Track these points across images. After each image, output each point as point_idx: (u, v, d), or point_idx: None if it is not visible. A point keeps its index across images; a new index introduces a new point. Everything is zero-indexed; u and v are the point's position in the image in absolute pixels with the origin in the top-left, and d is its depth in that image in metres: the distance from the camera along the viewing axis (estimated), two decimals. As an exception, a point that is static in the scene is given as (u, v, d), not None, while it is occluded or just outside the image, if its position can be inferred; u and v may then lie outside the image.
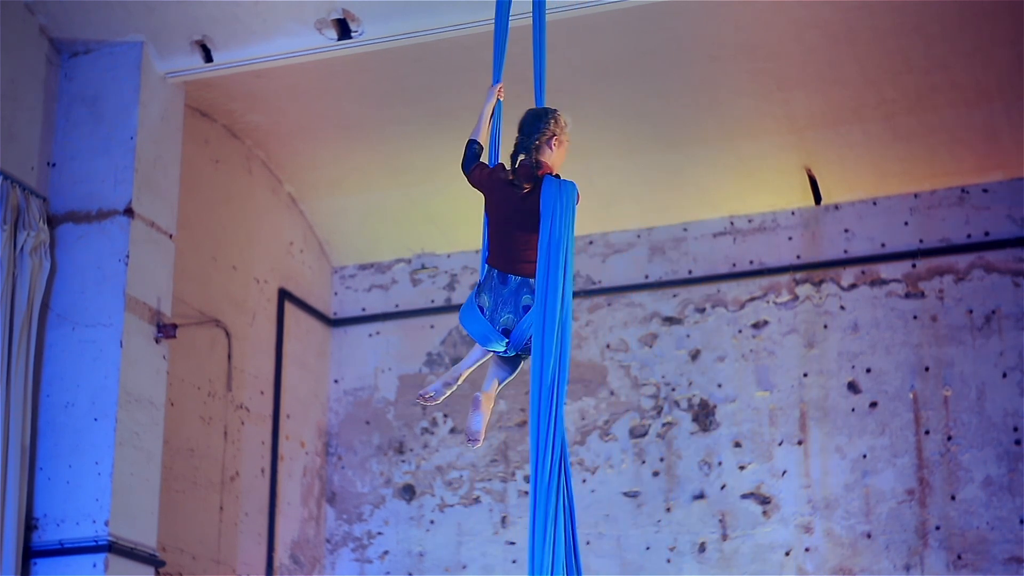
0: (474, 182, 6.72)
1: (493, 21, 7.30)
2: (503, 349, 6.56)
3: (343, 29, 9.55)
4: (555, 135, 6.63)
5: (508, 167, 6.64)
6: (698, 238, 11.50)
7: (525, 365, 6.64)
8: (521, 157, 6.60)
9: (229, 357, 10.95)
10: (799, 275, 11.21)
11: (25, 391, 9.02)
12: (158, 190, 9.69)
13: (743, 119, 10.82)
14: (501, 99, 6.99)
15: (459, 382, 6.74)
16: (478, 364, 6.77)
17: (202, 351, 10.67)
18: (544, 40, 7.07)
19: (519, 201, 6.52)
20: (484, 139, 6.85)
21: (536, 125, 6.63)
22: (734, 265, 11.37)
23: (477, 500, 11.55)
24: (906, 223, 11.06)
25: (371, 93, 10.78)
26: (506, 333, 6.49)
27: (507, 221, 6.55)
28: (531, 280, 6.47)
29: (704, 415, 11.19)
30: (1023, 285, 10.67)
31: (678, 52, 10.29)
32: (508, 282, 6.54)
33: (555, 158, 6.63)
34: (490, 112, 6.92)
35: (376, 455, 11.90)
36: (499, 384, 6.73)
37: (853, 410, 10.87)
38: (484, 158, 6.81)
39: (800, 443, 10.93)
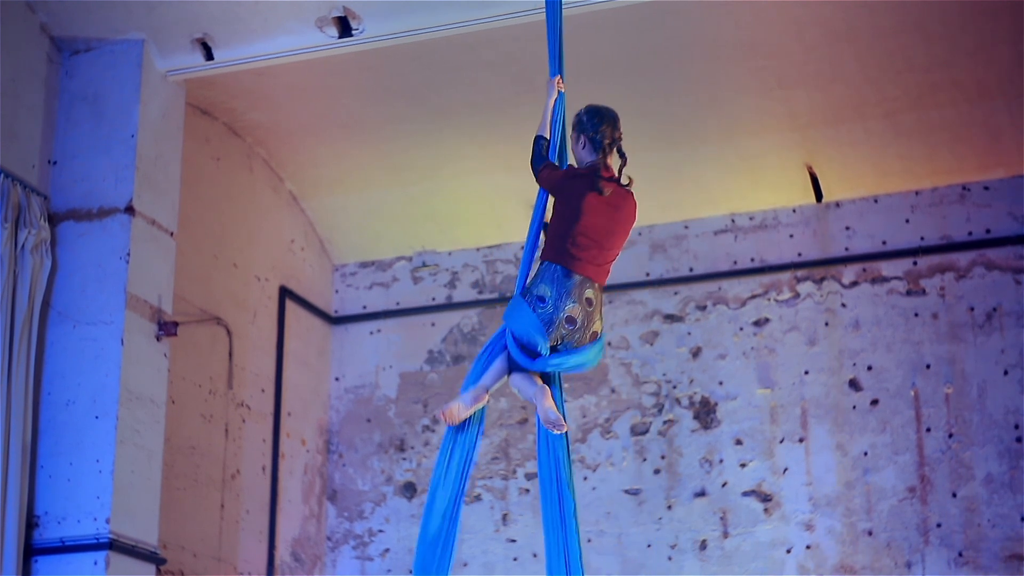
0: (544, 182, 6.86)
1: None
2: (542, 352, 6.68)
3: (344, 27, 9.55)
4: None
5: (596, 166, 6.82)
6: (699, 235, 11.50)
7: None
8: (610, 162, 6.87)
9: (230, 355, 10.96)
10: (800, 273, 11.21)
11: (26, 389, 9.02)
12: (159, 188, 9.69)
13: (744, 117, 10.82)
14: (563, 91, 7.08)
15: (487, 398, 6.87)
16: (503, 380, 6.88)
17: (203, 349, 10.68)
18: (560, 34, 7.14)
19: (612, 209, 6.80)
20: (549, 133, 6.98)
21: (617, 127, 6.91)
22: (735, 263, 11.37)
23: (478, 498, 11.55)
24: (907, 220, 11.06)
25: (372, 91, 10.78)
26: (570, 321, 6.65)
27: (591, 224, 6.71)
28: (593, 281, 6.71)
29: (705, 412, 11.19)
30: (1024, 283, 10.68)
31: (679, 50, 10.29)
32: (572, 278, 6.67)
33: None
34: (552, 106, 7.01)
35: (377, 453, 11.90)
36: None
37: (854, 407, 10.87)
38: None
39: (801, 440, 10.93)
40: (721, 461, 11.06)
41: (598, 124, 6.84)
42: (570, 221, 6.71)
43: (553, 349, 6.71)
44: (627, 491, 11.17)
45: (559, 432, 6.72)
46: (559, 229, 6.74)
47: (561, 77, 7.04)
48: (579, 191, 6.74)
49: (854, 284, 11.07)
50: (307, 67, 10.27)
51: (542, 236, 6.87)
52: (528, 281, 6.75)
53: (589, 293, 6.69)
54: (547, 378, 6.83)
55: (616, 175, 6.88)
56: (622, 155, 6.92)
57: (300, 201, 11.96)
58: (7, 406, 8.87)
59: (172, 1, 9.50)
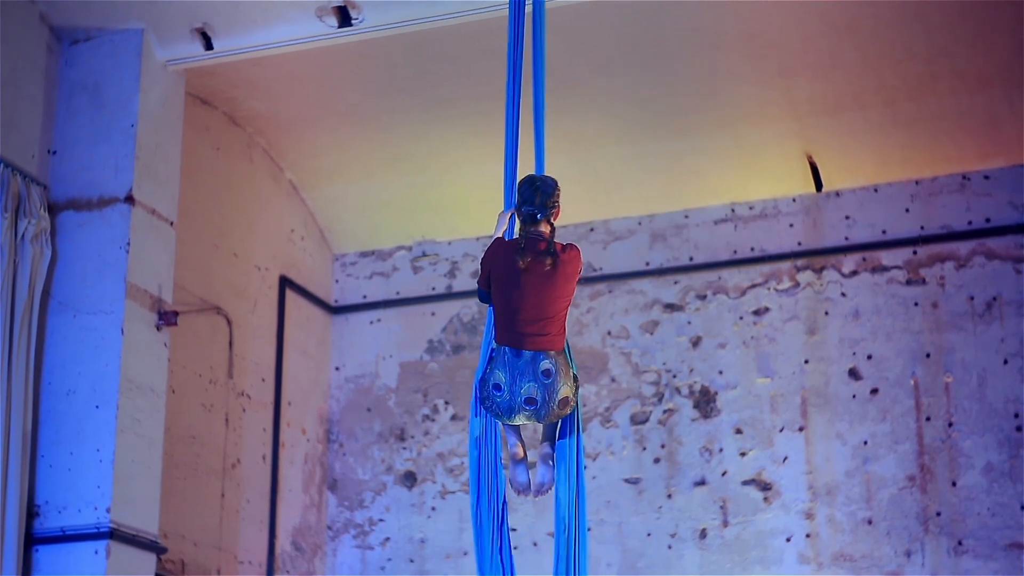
0: (481, 284, 6.79)
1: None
2: (529, 421, 6.66)
3: (343, 17, 9.54)
4: (559, 208, 6.78)
5: (516, 241, 6.70)
6: (699, 225, 11.50)
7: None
8: (536, 230, 6.69)
9: (230, 344, 10.96)
10: (800, 262, 11.21)
11: (26, 378, 9.02)
12: (159, 177, 9.69)
13: (744, 106, 10.82)
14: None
15: (526, 458, 6.91)
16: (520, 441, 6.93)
17: (203, 338, 10.68)
18: (544, 32, 7.12)
19: (537, 278, 6.61)
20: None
21: (551, 196, 6.71)
22: (735, 252, 11.37)
23: (478, 487, 11.55)
24: (907, 210, 11.05)
25: (372, 81, 10.78)
26: (529, 402, 6.58)
27: (521, 299, 6.61)
28: (547, 351, 6.59)
29: (705, 402, 11.19)
30: (1024, 272, 10.68)
31: (679, 39, 10.28)
32: (522, 356, 6.60)
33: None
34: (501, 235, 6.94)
35: (377, 442, 11.91)
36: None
37: (854, 397, 10.87)
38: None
39: (801, 429, 10.94)
40: (721, 450, 11.07)
41: (522, 195, 6.74)
42: (504, 301, 6.64)
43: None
44: (627, 480, 11.18)
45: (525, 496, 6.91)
46: (498, 311, 6.69)
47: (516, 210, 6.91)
48: (505, 270, 6.65)
49: (854, 273, 11.07)
50: (307, 57, 10.26)
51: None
52: (486, 370, 6.67)
53: (545, 365, 6.57)
54: (571, 426, 6.80)
55: (547, 240, 6.68)
56: (547, 221, 6.72)
57: (300, 191, 11.97)
58: (7, 396, 8.88)
59: (172, -9, 9.52)
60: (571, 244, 6.75)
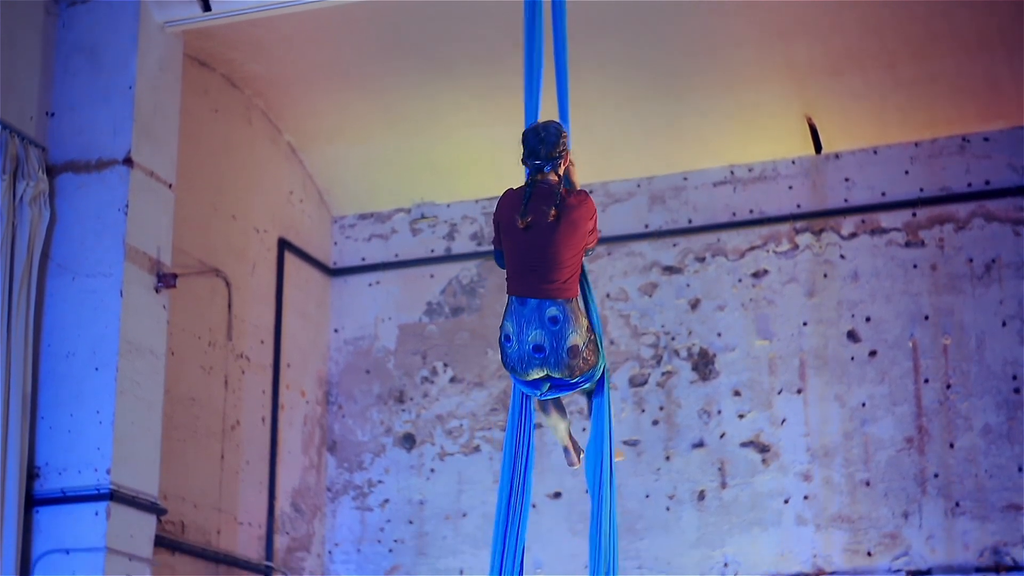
0: (497, 243, 6.70)
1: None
2: (543, 373, 6.54)
3: (342, -23, 9.51)
4: (567, 154, 6.63)
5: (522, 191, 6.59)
6: (698, 187, 11.49)
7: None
8: (543, 179, 6.56)
9: (229, 306, 10.96)
10: (799, 224, 11.20)
11: (26, 341, 9.03)
12: (157, 140, 9.66)
13: (743, 68, 10.79)
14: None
15: (573, 441, 7.04)
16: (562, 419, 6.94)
17: (202, 300, 10.68)
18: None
19: (542, 228, 6.49)
20: None
21: (556, 145, 6.57)
22: (734, 214, 11.36)
23: (477, 449, 11.59)
24: (907, 172, 11.04)
25: (371, 42, 10.75)
26: (537, 349, 6.46)
27: (526, 247, 6.51)
28: (553, 299, 6.47)
29: (704, 364, 11.20)
30: (1023, 234, 10.67)
31: (678, 1, 10.25)
32: (527, 303, 6.49)
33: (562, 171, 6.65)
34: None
35: (376, 404, 11.93)
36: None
37: (852, 359, 10.88)
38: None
39: (799, 392, 10.96)
40: (719, 412, 11.09)
41: (527, 147, 6.60)
42: (511, 251, 6.57)
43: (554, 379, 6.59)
44: (626, 442, 11.20)
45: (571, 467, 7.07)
46: (507, 261, 6.61)
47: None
48: (509, 222, 6.57)
49: (853, 235, 11.07)
50: (306, 18, 10.23)
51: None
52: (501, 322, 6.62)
53: (552, 312, 6.44)
54: (598, 394, 6.77)
55: (553, 190, 6.54)
56: (554, 172, 6.60)
57: (299, 153, 11.95)
58: (7, 358, 8.89)
59: (169, -49, 9.47)
60: (582, 191, 6.62)
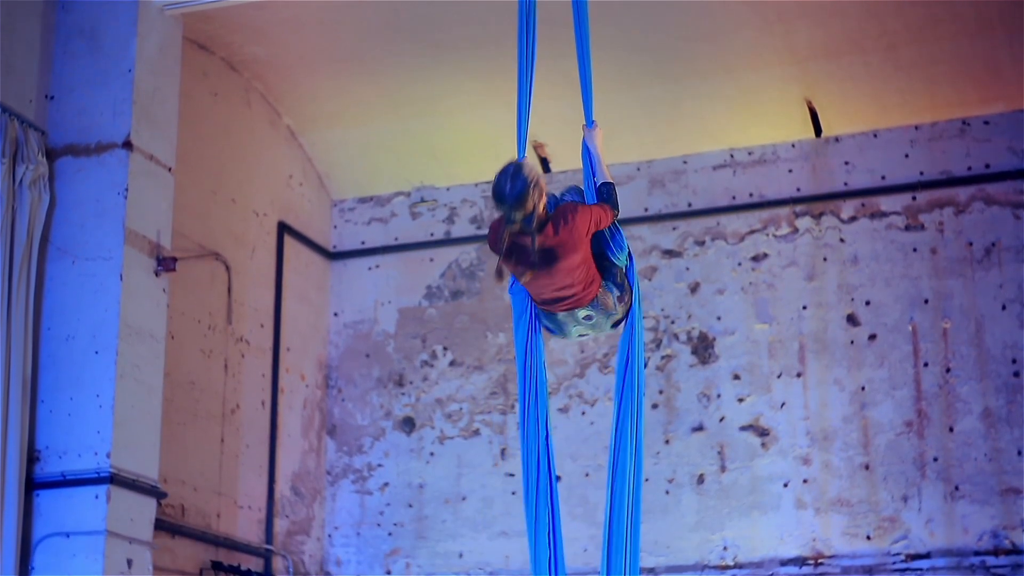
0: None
1: None
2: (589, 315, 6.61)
3: (342, -40, 9.49)
4: (541, 189, 6.32)
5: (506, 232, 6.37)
6: (698, 171, 11.48)
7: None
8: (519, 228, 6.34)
9: (229, 290, 10.96)
10: (799, 208, 11.20)
11: (26, 324, 9.02)
12: (157, 123, 9.65)
13: (743, 51, 10.78)
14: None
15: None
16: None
17: (202, 284, 10.68)
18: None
19: (540, 272, 6.40)
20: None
21: (525, 198, 6.23)
22: (734, 198, 11.36)
23: (476, 432, 11.60)
24: (907, 155, 11.04)
25: (371, 25, 10.73)
26: (583, 335, 6.68)
27: (538, 289, 6.50)
28: (575, 307, 6.52)
29: (703, 348, 11.21)
30: (1023, 217, 10.66)
31: (678, -17, 10.26)
32: (555, 316, 6.60)
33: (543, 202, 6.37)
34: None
35: (376, 388, 11.94)
36: None
37: (852, 342, 10.89)
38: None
39: (799, 375, 10.96)
40: (719, 396, 11.09)
41: (497, 202, 6.32)
42: (521, 282, 6.54)
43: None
44: (625, 426, 11.18)
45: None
46: (525, 287, 6.60)
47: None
48: (509, 268, 6.50)
49: (853, 219, 11.06)
50: (305, 1, 10.21)
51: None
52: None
53: (584, 313, 6.54)
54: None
55: (531, 239, 6.29)
56: (524, 224, 6.29)
57: (298, 136, 11.94)
58: (7, 342, 8.88)
59: (168, -66, 9.45)
60: (566, 209, 6.38)
